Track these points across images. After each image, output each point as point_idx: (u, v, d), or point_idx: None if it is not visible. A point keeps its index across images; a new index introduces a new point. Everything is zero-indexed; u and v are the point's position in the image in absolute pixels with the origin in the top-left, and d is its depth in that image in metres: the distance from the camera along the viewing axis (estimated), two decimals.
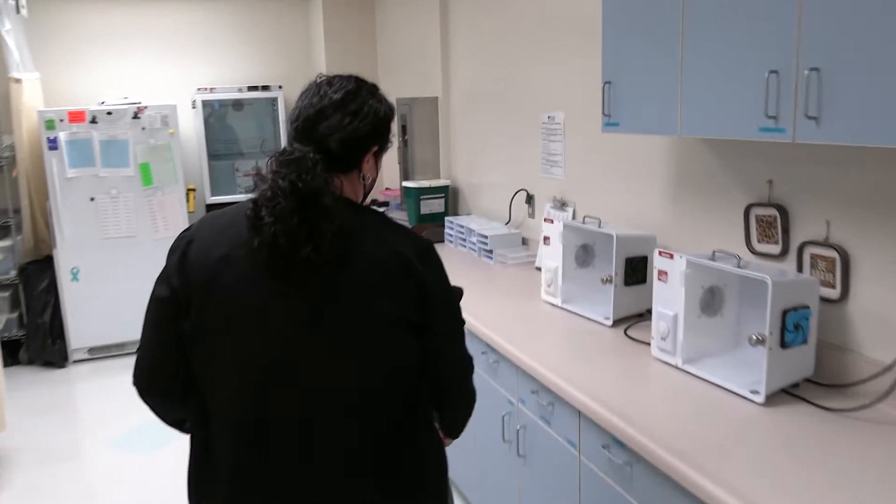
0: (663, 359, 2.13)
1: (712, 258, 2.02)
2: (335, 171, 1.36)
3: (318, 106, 1.37)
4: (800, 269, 2.04)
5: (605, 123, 2.26)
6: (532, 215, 3.53)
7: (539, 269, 3.31)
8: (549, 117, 3.29)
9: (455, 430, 1.59)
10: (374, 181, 1.48)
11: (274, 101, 5.38)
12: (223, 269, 1.30)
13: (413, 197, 4.27)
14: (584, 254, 2.74)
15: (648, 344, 2.28)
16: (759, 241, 2.18)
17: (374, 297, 1.30)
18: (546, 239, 2.75)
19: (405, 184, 4.34)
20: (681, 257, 2.04)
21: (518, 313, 2.66)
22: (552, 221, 2.72)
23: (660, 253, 2.12)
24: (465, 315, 1.60)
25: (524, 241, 3.56)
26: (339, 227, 1.28)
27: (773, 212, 2.11)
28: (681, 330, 2.06)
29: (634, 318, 2.53)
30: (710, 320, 2.12)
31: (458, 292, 1.48)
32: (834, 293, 1.94)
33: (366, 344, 1.30)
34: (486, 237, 3.50)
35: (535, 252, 3.38)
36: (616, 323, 2.47)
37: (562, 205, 3.23)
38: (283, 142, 5.38)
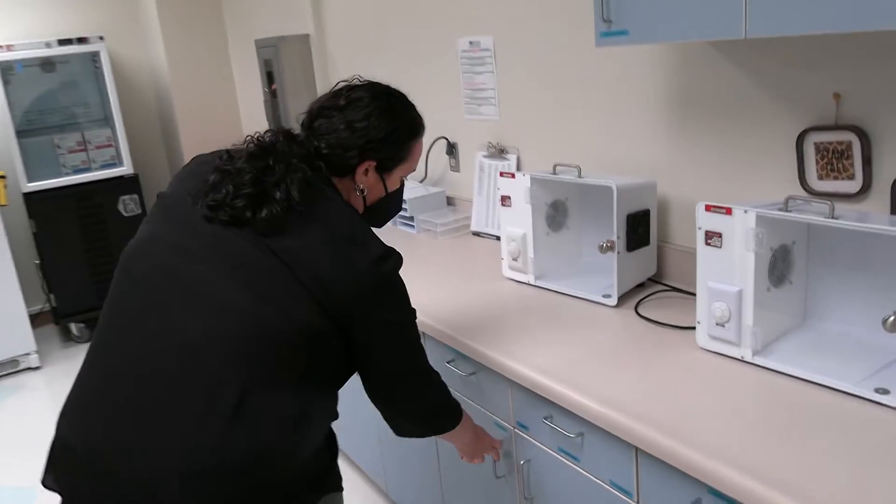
0: (720, 350, 1.56)
1: (785, 208, 1.45)
2: (331, 172, 1.40)
3: (325, 103, 1.43)
4: (894, 210, 1.51)
5: (604, 34, 1.61)
6: (456, 168, 2.85)
7: (478, 234, 2.66)
8: (470, 43, 2.60)
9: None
10: (382, 199, 1.49)
11: (95, 55, 4.31)
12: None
13: None
14: (555, 214, 2.11)
15: (677, 328, 1.70)
16: (820, 178, 1.63)
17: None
18: (505, 199, 2.10)
19: None
20: (745, 211, 1.46)
21: (479, 300, 2.00)
22: (512, 175, 2.06)
23: (708, 208, 1.52)
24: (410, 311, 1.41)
25: (449, 202, 2.89)
26: (288, 202, 1.26)
27: (847, 136, 1.56)
28: (748, 311, 1.49)
29: (635, 291, 1.95)
30: (779, 294, 1.56)
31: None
32: None
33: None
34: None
35: (469, 214, 2.72)
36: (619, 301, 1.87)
37: (500, 152, 2.57)
38: (114, 107, 4.35)
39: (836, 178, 1.60)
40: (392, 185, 1.49)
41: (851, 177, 1.57)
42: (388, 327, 1.32)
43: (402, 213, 2.79)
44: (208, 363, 1.16)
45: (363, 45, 3.27)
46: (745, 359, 1.51)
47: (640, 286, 1.97)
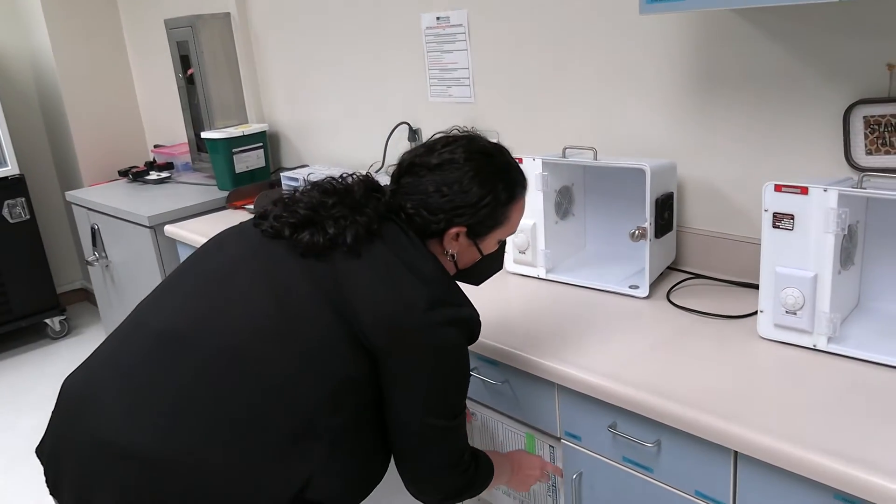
0: (787, 339, 1.46)
1: (859, 186, 1.36)
2: (416, 233, 1.29)
3: (416, 160, 1.33)
4: None
5: (651, 0, 1.46)
6: None
7: None
8: (437, 19, 2.39)
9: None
10: (476, 262, 1.39)
11: None
12: None
13: (221, 151, 3.14)
14: (562, 201, 1.96)
15: (728, 317, 1.59)
16: (869, 153, 1.56)
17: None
18: None
19: (206, 135, 3.17)
20: (825, 190, 1.35)
21: (489, 300, 1.82)
22: (520, 160, 1.88)
23: (778, 188, 1.41)
24: None
25: None
26: (336, 238, 1.22)
27: None
28: (824, 297, 1.39)
29: (658, 281, 1.83)
30: (846, 276, 1.48)
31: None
32: None
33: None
34: None
35: None
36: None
37: None
38: None
39: (887, 152, 1.53)
40: (487, 249, 1.38)
41: None
42: (415, 376, 1.22)
43: None
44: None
45: (297, 24, 2.98)
46: (819, 347, 1.42)
47: (661, 275, 1.86)
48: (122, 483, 1.10)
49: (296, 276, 1.20)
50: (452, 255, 1.34)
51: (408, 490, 1.35)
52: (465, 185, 1.27)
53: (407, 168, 1.33)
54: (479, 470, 1.39)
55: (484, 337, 1.61)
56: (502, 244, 1.43)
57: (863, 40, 1.52)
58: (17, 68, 4.29)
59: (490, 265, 1.42)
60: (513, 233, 1.40)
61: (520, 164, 1.40)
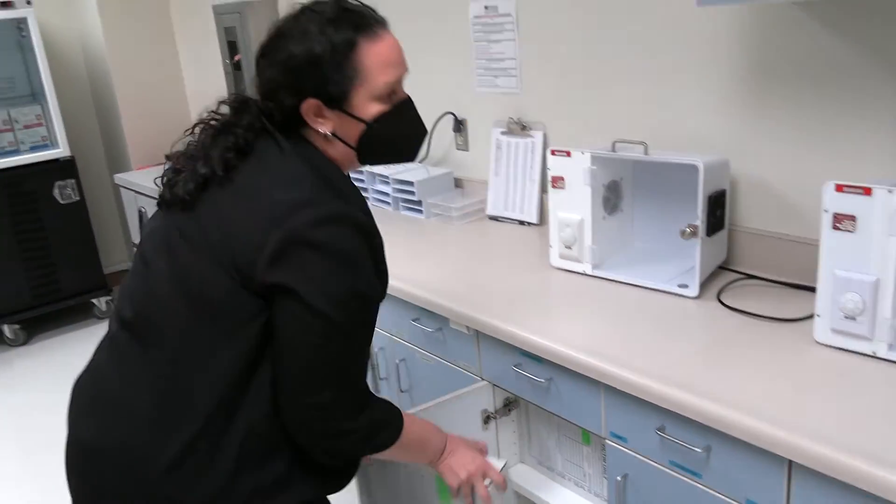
0: (846, 346, 1.41)
1: None
2: (284, 128, 1.23)
3: (257, 57, 1.24)
4: None
5: None
6: (464, 146, 2.62)
7: (495, 219, 2.45)
8: (486, 8, 2.36)
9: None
10: (366, 132, 1.23)
11: (21, 22, 3.83)
12: None
13: None
14: (610, 196, 1.92)
15: (782, 320, 1.54)
16: None
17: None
18: (556, 180, 1.89)
19: None
20: (889, 190, 1.30)
21: (534, 293, 1.79)
22: (567, 153, 1.85)
23: (839, 188, 1.35)
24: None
25: (456, 183, 2.65)
26: (224, 165, 1.18)
27: None
28: (886, 303, 1.34)
29: (709, 280, 1.78)
30: None
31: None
32: None
33: None
34: (409, 183, 2.54)
35: (481, 196, 2.50)
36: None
37: (522, 128, 2.36)
38: (46, 82, 3.88)
39: None
40: (366, 113, 1.22)
41: None
42: (303, 312, 1.12)
43: (403, 194, 2.55)
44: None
45: None
46: (879, 354, 1.37)
47: (711, 275, 1.81)
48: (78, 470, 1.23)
49: (177, 240, 1.20)
50: (333, 135, 1.23)
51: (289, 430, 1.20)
52: (287, 51, 1.17)
53: (256, 62, 1.25)
54: (375, 413, 1.23)
55: (529, 332, 1.59)
56: (399, 104, 1.26)
57: None
58: (69, 52, 4.36)
59: (394, 131, 1.26)
60: (387, 83, 1.22)
61: (362, 6, 1.24)
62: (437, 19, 2.55)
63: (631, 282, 1.80)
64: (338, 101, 1.20)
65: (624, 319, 1.62)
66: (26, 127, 3.99)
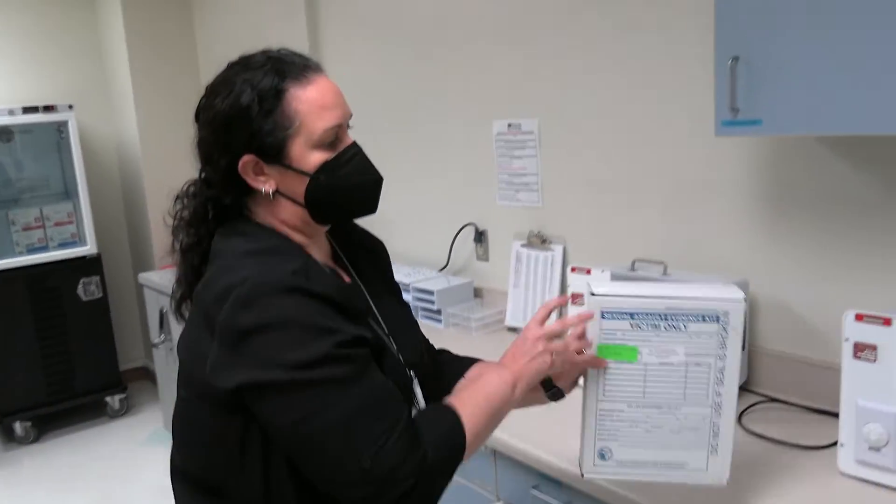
0: (870, 478, 1.38)
1: None
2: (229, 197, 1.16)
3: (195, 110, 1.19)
4: None
5: (726, 123, 1.47)
6: (484, 257, 2.66)
7: (514, 329, 2.45)
8: (509, 126, 2.45)
9: None
10: (310, 184, 1.11)
11: (62, 125, 4.00)
12: None
13: None
14: None
15: (805, 447, 1.51)
16: None
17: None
18: (576, 297, 1.91)
19: None
20: (881, 325, 1.30)
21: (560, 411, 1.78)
22: (588, 271, 1.88)
23: (860, 317, 1.36)
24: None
25: (476, 293, 2.68)
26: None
27: None
28: None
29: None
30: None
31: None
32: None
33: None
34: (429, 292, 2.57)
35: (501, 307, 2.52)
36: None
37: (542, 241, 2.40)
38: (80, 181, 4.02)
39: None
40: (306, 164, 1.10)
41: None
42: (263, 395, 1.02)
43: (424, 302, 2.57)
44: None
45: (379, 122, 3.09)
46: None
47: None
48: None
49: None
50: (275, 193, 1.12)
51: None
52: (214, 108, 1.11)
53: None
54: (427, 446, 1.03)
55: (547, 453, 1.57)
56: (344, 151, 1.14)
57: None
58: (104, 152, 4.53)
59: (342, 181, 1.13)
60: (326, 129, 1.10)
61: (292, 53, 1.15)
62: (462, 134, 2.64)
63: None
64: (275, 154, 1.09)
65: None
66: (57, 224, 4.10)
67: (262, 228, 1.15)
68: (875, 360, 1.35)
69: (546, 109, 2.32)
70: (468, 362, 1.36)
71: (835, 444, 1.47)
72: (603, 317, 1.23)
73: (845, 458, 1.41)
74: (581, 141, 2.23)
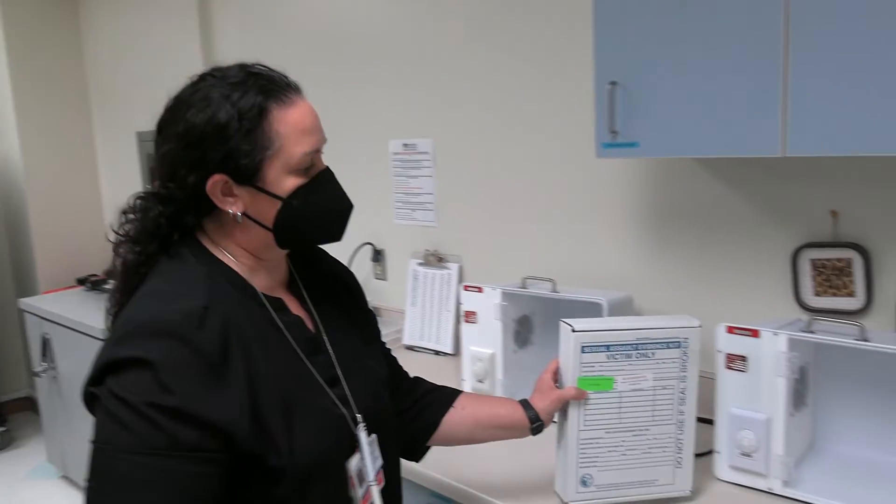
0: (744, 482, 1.45)
1: (808, 329, 1.39)
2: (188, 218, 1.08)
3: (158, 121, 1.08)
4: None
5: (607, 145, 1.53)
6: (383, 276, 2.66)
7: (412, 348, 2.46)
8: (404, 146, 2.47)
9: None
10: (282, 209, 1.05)
11: None
12: None
13: None
14: (521, 330, 1.97)
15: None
16: (817, 294, 1.61)
17: None
18: (469, 315, 1.93)
19: None
20: (775, 333, 1.38)
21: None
22: (479, 289, 1.91)
23: (731, 330, 1.44)
24: None
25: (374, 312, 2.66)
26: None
27: (847, 253, 1.55)
28: (778, 440, 1.40)
29: None
30: (799, 418, 1.49)
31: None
32: None
33: None
34: None
35: (399, 326, 2.52)
36: None
37: (438, 260, 2.42)
38: None
39: (834, 294, 1.58)
40: (280, 188, 1.04)
41: (851, 294, 1.56)
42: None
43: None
44: None
45: None
46: (775, 491, 1.41)
47: None
48: None
49: None
50: (244, 216, 1.06)
51: None
52: (186, 121, 1.02)
53: (154, 147, 1.09)
54: None
55: (441, 474, 1.57)
56: (318, 176, 1.09)
57: (808, 187, 1.59)
58: None
59: (315, 207, 1.08)
60: (305, 154, 1.05)
61: (270, 70, 1.09)
62: (359, 153, 2.64)
63: None
64: (249, 175, 1.03)
65: (529, 450, 1.62)
66: None
67: (207, 253, 1.09)
68: (746, 370, 1.42)
69: (441, 130, 2.35)
70: (449, 394, 1.39)
71: (711, 451, 1.54)
72: (583, 351, 1.33)
73: (721, 464, 1.48)
74: (474, 161, 2.27)
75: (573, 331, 1.34)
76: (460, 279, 2.36)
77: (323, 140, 1.11)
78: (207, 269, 1.06)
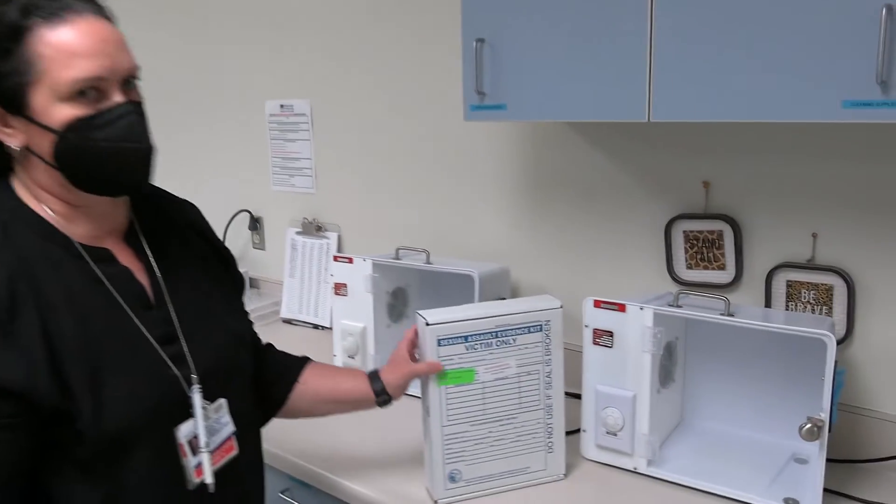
0: (610, 461, 1.40)
1: (676, 303, 1.34)
2: None
3: None
4: (768, 302, 1.48)
5: (475, 107, 1.43)
6: (261, 245, 2.51)
7: (289, 322, 2.33)
8: (281, 107, 2.31)
9: None
10: (58, 144, 0.93)
11: None
12: None
13: None
14: (395, 303, 1.87)
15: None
16: (689, 267, 1.57)
17: None
18: (339, 287, 1.82)
19: None
20: (641, 308, 1.33)
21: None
22: (349, 260, 1.79)
23: (597, 304, 1.37)
24: None
25: (252, 283, 2.52)
26: None
27: (718, 225, 1.51)
28: (643, 418, 1.35)
29: None
30: (666, 394, 1.45)
31: None
32: None
33: None
34: None
35: (277, 298, 2.39)
36: None
37: (317, 229, 2.29)
38: None
39: (705, 267, 1.55)
40: (50, 119, 0.93)
41: (722, 267, 1.53)
42: None
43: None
44: None
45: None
46: (639, 470, 1.37)
47: None
48: None
49: None
50: (25, 149, 0.96)
51: None
52: None
53: None
54: None
55: (302, 459, 1.47)
56: (106, 111, 0.95)
57: (683, 157, 1.54)
58: None
59: (96, 144, 0.94)
60: (75, 80, 0.91)
61: None
62: (235, 114, 2.47)
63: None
64: (15, 103, 0.93)
65: (400, 430, 1.54)
66: None
67: (13, 198, 0.99)
68: (612, 346, 1.37)
69: (319, 91, 2.20)
70: (295, 368, 1.31)
71: (578, 430, 1.49)
72: (440, 344, 1.26)
73: (588, 443, 1.42)
74: (353, 125, 2.14)
75: (427, 324, 1.26)
76: (339, 249, 2.24)
77: (119, 68, 0.96)
78: (9, 215, 0.97)
